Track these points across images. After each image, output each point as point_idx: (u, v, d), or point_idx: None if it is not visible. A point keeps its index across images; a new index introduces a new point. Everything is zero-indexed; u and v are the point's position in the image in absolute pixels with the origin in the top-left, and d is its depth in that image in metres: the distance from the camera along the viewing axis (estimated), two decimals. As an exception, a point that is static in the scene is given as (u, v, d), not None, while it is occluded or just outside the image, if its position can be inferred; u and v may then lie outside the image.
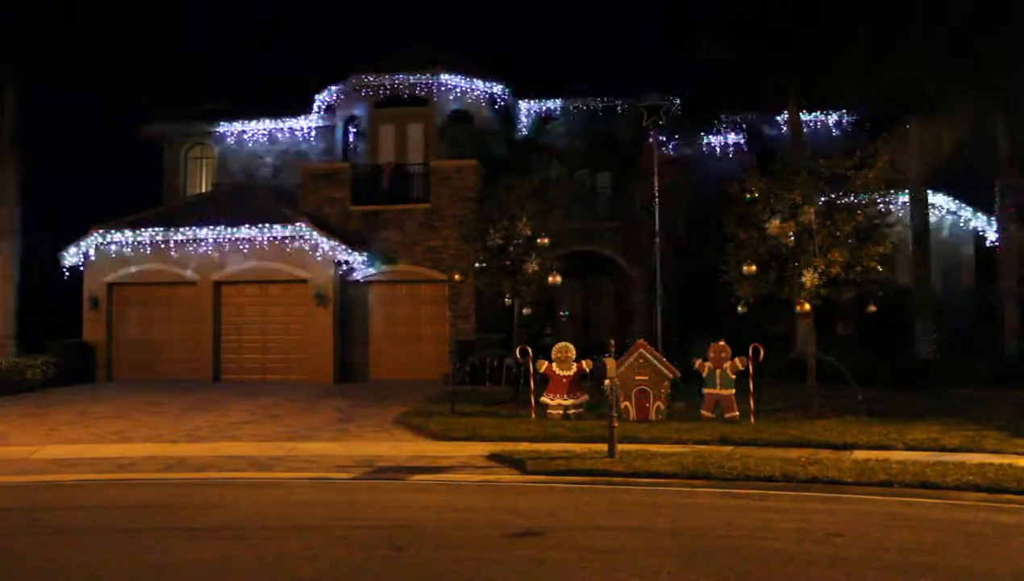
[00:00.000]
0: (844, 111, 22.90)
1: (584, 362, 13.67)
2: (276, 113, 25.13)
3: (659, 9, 21.29)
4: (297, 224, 20.06)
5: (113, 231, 20.67)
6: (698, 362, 13.41)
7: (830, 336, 20.12)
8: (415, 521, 7.52)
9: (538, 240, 15.22)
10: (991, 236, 20.49)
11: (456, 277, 17.87)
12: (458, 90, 22.96)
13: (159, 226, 20.70)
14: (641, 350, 13.13)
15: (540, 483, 9.19)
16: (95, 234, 20.67)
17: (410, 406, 15.17)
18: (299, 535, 7.13)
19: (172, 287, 20.95)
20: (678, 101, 24.09)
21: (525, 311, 15.95)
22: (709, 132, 24.58)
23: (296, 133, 25.33)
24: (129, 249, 20.83)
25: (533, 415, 13.36)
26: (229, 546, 6.89)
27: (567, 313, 19.84)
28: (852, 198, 13.58)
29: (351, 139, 23.97)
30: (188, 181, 26.15)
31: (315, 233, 19.93)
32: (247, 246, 20.38)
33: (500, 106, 23.93)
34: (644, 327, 15.63)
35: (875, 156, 13.50)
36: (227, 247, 20.47)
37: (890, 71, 17.85)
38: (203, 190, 25.46)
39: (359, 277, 20.86)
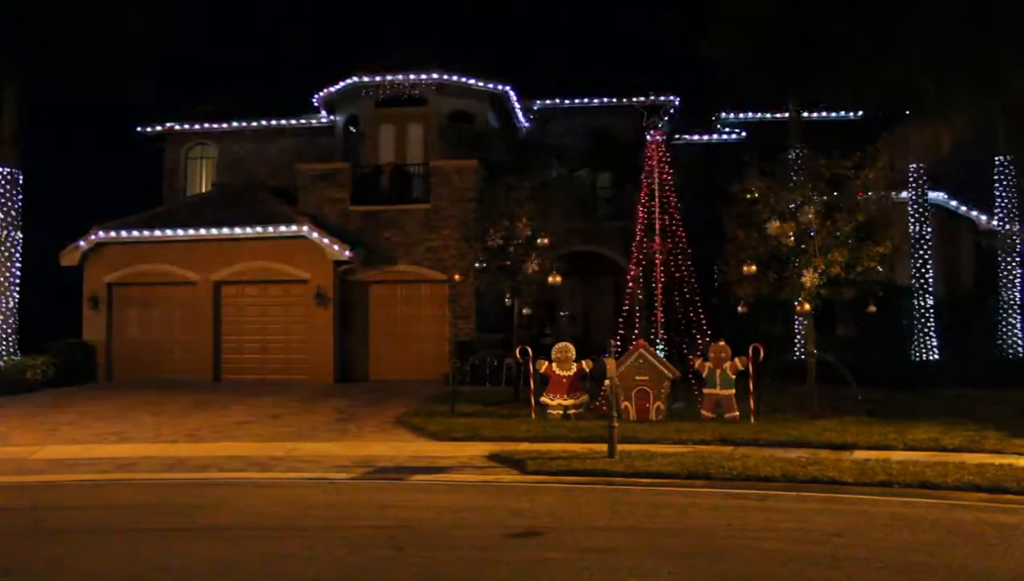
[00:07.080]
0: (844, 111, 22.93)
1: (584, 362, 13.67)
2: (276, 113, 25.10)
3: (660, 8, 21.30)
4: (297, 224, 20.06)
5: (113, 231, 20.65)
6: (698, 362, 13.42)
7: (830, 336, 20.15)
8: (415, 521, 7.52)
9: (538, 240, 15.20)
10: (991, 236, 20.47)
11: (456, 277, 17.85)
12: (458, 90, 22.90)
13: (159, 226, 20.70)
14: (641, 350, 13.14)
15: (540, 483, 9.18)
16: (95, 234, 20.65)
17: (410, 406, 15.17)
18: (299, 535, 7.13)
19: (172, 287, 20.94)
20: (678, 101, 24.17)
21: (525, 311, 15.94)
22: (709, 132, 24.62)
23: (296, 133, 25.32)
24: (129, 249, 20.80)
25: (533, 415, 13.36)
26: (229, 546, 6.89)
27: (567, 313, 19.83)
28: (852, 198, 13.58)
29: (351, 139, 23.95)
30: (188, 181, 26.13)
31: (315, 233, 19.92)
32: (247, 246, 20.37)
33: (500, 106, 23.90)
34: (644, 327, 15.64)
35: (875, 156, 13.50)
36: (227, 247, 20.44)
37: (890, 71, 17.85)
38: (203, 190, 25.44)
39: (359, 277, 20.85)
